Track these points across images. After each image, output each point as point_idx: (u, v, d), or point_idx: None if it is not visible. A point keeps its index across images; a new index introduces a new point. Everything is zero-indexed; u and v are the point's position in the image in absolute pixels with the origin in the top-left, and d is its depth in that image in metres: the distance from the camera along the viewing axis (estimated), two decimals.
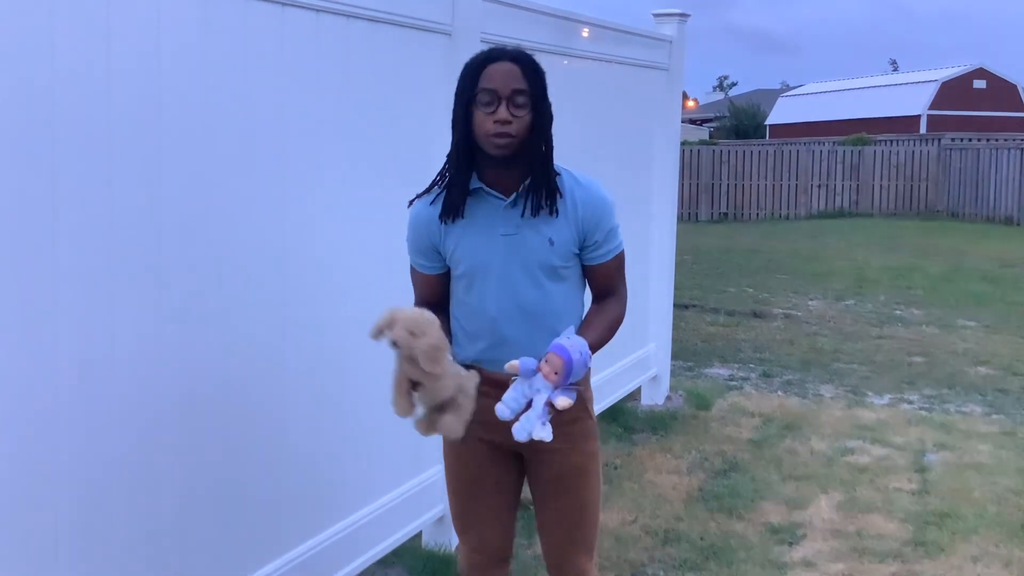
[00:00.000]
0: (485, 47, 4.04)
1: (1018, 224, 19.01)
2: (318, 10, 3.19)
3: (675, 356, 7.08)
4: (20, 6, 2.25)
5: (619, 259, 2.63)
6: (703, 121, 44.42)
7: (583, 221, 2.54)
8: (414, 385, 2.32)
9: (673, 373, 6.85)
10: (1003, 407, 6.52)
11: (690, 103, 45.50)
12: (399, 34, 3.63)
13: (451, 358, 2.37)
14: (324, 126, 3.28)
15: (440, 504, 4.06)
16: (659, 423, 5.91)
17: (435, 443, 4.00)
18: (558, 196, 2.51)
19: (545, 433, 2.33)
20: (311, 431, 3.32)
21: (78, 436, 2.47)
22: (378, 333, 2.27)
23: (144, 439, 2.66)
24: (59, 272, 2.38)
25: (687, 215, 20.65)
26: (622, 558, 4.07)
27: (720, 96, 59.48)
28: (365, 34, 3.44)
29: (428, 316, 2.30)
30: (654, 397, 6.41)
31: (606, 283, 2.63)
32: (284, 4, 3.04)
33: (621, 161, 5.64)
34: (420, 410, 2.39)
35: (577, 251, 2.56)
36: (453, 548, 4.11)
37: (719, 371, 7.48)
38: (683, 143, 13.46)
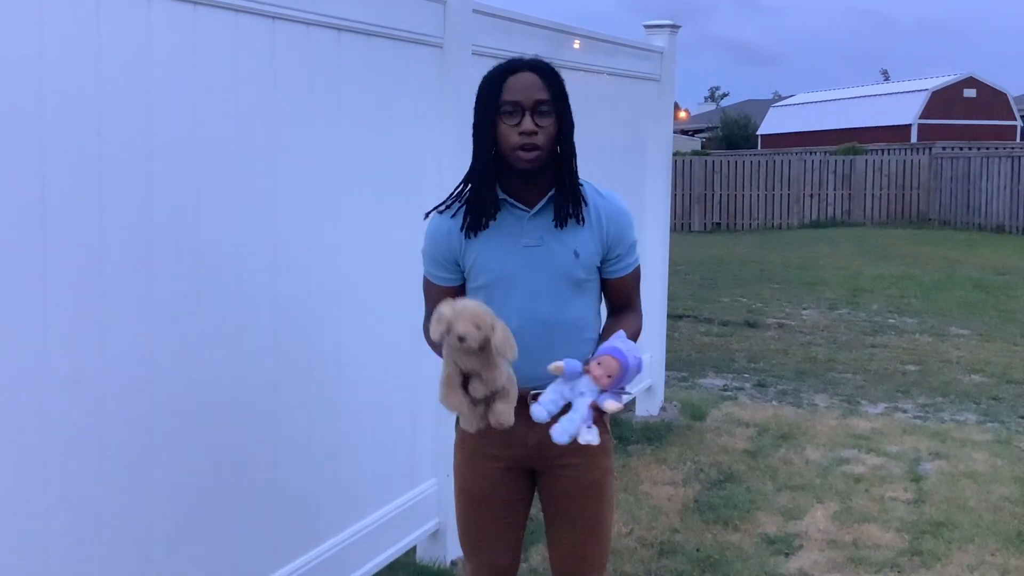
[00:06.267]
0: (477, 59, 4.09)
1: (1009, 232, 19.08)
2: (308, 23, 3.18)
3: (669, 366, 7.07)
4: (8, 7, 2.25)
5: (637, 273, 2.62)
6: (695, 132, 44.53)
7: (607, 234, 2.52)
8: (465, 379, 2.26)
9: (667, 384, 6.85)
10: (997, 415, 6.53)
11: (682, 114, 45.56)
12: (391, 47, 3.63)
13: None
14: (316, 136, 3.28)
15: (435, 518, 4.04)
16: (654, 434, 5.90)
17: (428, 456, 4.01)
18: (583, 205, 2.49)
19: (592, 436, 2.26)
20: (303, 444, 3.30)
21: (70, 440, 2.45)
22: (445, 331, 2.18)
23: (136, 446, 2.64)
24: (49, 276, 2.37)
25: (680, 225, 20.69)
26: (618, 570, 4.05)
27: (712, 107, 59.61)
28: (357, 46, 3.44)
29: (485, 306, 2.24)
30: (649, 408, 6.40)
31: (624, 297, 2.61)
32: (274, 17, 3.03)
33: (614, 172, 5.63)
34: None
35: (599, 264, 2.54)
36: (448, 563, 4.09)
37: (713, 381, 7.48)
38: (675, 154, 13.51)
